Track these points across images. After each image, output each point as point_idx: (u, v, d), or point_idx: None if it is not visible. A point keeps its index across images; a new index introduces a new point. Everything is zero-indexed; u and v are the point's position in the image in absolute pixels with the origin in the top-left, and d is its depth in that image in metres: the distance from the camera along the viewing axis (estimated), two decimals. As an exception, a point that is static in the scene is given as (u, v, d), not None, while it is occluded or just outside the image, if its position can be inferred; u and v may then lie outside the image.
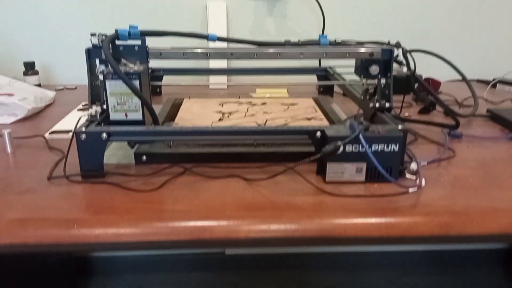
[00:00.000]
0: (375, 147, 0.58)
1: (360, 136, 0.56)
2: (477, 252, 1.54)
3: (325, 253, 1.51)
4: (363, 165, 0.59)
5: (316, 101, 0.96)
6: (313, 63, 1.19)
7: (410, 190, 0.57)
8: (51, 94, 1.02)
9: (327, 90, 1.11)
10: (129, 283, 1.42)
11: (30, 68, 1.12)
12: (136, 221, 0.50)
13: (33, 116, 0.91)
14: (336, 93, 1.12)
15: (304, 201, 0.55)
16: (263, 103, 0.94)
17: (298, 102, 0.95)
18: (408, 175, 0.62)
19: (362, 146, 0.57)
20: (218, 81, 1.18)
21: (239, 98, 0.99)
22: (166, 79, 1.10)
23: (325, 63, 1.17)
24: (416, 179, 0.61)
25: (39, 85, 1.11)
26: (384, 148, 0.58)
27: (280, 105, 0.92)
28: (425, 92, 0.80)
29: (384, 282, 1.46)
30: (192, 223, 0.50)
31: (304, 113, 0.86)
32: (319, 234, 0.50)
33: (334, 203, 0.54)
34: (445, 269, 1.52)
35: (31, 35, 1.21)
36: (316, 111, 0.88)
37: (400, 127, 0.61)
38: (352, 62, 0.79)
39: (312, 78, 1.17)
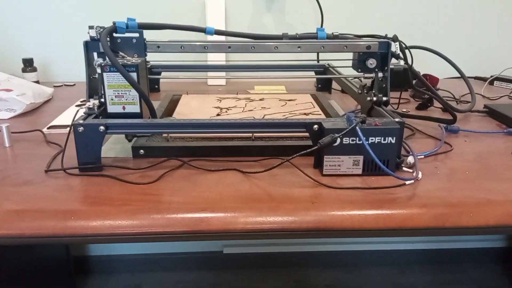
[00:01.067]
0: (372, 139, 0.58)
1: (357, 128, 0.56)
2: (475, 250, 1.54)
3: (323, 252, 1.51)
4: (360, 158, 0.59)
5: (314, 97, 0.96)
6: (311, 58, 1.19)
7: (407, 182, 0.57)
8: (49, 90, 1.02)
9: (325, 87, 1.11)
10: (127, 282, 1.42)
11: (28, 64, 1.12)
12: (133, 212, 0.50)
13: (31, 111, 0.91)
14: (334, 89, 1.12)
15: (301, 194, 0.55)
16: (261, 99, 0.94)
17: (296, 98, 0.95)
18: (405, 168, 0.62)
19: (359, 139, 0.58)
20: (216, 77, 1.18)
21: (237, 94, 0.99)
22: (164, 76, 1.10)
23: (323, 57, 1.17)
24: (413, 171, 0.61)
25: (37, 82, 1.11)
26: (381, 140, 0.58)
27: (278, 101, 0.93)
28: (423, 87, 0.80)
29: (382, 281, 1.46)
30: (189, 215, 0.50)
31: (302, 109, 0.86)
32: (315, 225, 0.50)
33: (330, 195, 0.55)
34: (443, 268, 1.52)
35: (30, 32, 1.21)
36: (314, 107, 0.88)
37: (397, 119, 0.62)
38: (350, 57, 0.80)
39: (310, 75, 1.17)
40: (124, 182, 0.57)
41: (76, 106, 0.95)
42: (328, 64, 1.10)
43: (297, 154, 0.57)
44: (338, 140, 0.57)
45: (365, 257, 1.53)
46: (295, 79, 1.21)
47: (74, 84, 1.18)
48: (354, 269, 1.50)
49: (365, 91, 0.73)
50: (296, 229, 0.50)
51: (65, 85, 1.17)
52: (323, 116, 0.81)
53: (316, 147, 0.56)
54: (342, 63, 1.01)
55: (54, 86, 1.12)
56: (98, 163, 0.60)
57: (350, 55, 0.79)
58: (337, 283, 1.44)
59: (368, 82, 0.76)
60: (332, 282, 1.44)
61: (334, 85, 1.12)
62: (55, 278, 1.28)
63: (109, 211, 0.50)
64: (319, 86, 1.12)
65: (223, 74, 1.20)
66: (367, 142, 0.57)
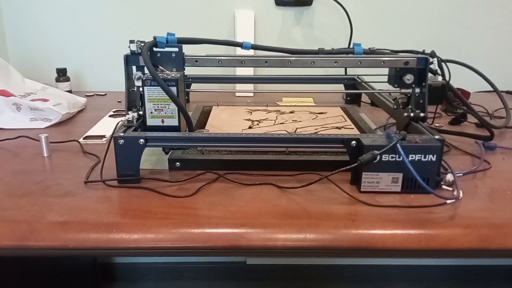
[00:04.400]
0: (412, 157, 0.57)
1: (398, 145, 0.56)
2: (504, 267, 1.50)
3: (347, 265, 1.49)
4: (399, 175, 0.58)
5: (345, 110, 0.95)
6: (339, 72, 1.19)
7: (448, 201, 0.56)
8: (82, 100, 1.04)
9: (354, 100, 1.10)
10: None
11: (62, 74, 1.15)
12: (174, 226, 0.51)
13: (66, 121, 0.93)
14: (363, 102, 1.11)
15: (339, 211, 0.54)
16: (291, 112, 0.94)
17: (327, 111, 0.94)
18: (444, 187, 0.61)
19: (399, 156, 0.57)
20: (246, 90, 1.19)
21: (267, 106, 0.99)
22: (195, 89, 1.11)
23: (351, 71, 1.17)
24: (453, 190, 0.60)
25: (70, 91, 1.13)
26: (421, 158, 0.57)
27: (309, 114, 0.92)
28: (459, 102, 0.79)
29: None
30: (229, 230, 0.50)
31: (333, 122, 0.86)
32: (357, 244, 0.49)
33: (370, 213, 0.54)
34: (470, 285, 1.49)
35: (63, 42, 1.24)
36: (345, 120, 0.87)
37: (437, 137, 0.61)
38: (379, 71, 0.79)
39: (339, 87, 1.17)
40: (163, 195, 0.58)
41: (110, 116, 0.96)
42: (358, 77, 1.09)
43: (336, 170, 0.57)
44: (378, 157, 0.57)
45: (390, 272, 1.50)
46: (323, 92, 1.21)
47: (106, 94, 1.20)
48: (378, 283, 1.48)
49: (401, 107, 0.73)
50: (337, 248, 0.50)
51: (96, 94, 1.19)
52: (355, 130, 0.81)
53: (355, 164, 0.56)
54: (373, 77, 1.01)
55: (86, 96, 1.14)
56: (137, 175, 0.61)
57: (380, 69, 0.78)
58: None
59: (397, 95, 0.76)
60: (356, 296, 1.42)
61: (363, 97, 1.11)
62: (81, 283, 1.30)
63: (150, 224, 0.51)
64: (348, 98, 1.12)
65: (250, 86, 1.20)
66: (408, 159, 0.56)
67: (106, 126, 0.88)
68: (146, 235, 0.50)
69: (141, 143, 0.60)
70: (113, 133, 0.61)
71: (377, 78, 0.97)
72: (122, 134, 0.60)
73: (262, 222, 0.52)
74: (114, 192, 0.59)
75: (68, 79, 1.16)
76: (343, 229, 0.51)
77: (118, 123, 0.63)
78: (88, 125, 0.90)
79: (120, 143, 0.60)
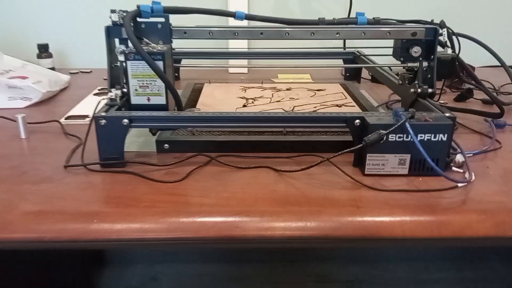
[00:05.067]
0: (421, 136, 0.52)
1: (407, 124, 0.51)
2: (504, 247, 1.48)
3: (344, 247, 1.46)
4: (407, 157, 0.54)
5: (344, 87, 0.90)
6: (338, 45, 1.12)
7: (460, 184, 0.52)
8: (65, 78, 0.98)
9: (353, 76, 1.05)
10: (143, 274, 1.39)
11: (43, 50, 1.08)
12: (162, 215, 0.46)
13: (47, 100, 0.87)
14: (363, 78, 1.06)
15: (342, 196, 0.50)
16: (288, 89, 0.89)
17: (326, 88, 0.89)
18: (454, 168, 0.57)
19: (407, 136, 0.52)
20: (238, 65, 1.13)
21: (262, 83, 0.93)
22: (185, 64, 1.05)
23: (350, 44, 1.11)
24: (464, 172, 0.56)
25: (53, 69, 1.07)
26: (431, 137, 0.53)
27: (307, 91, 0.87)
28: (468, 77, 0.74)
29: (406, 277, 1.41)
30: (222, 219, 0.46)
31: (333, 100, 0.81)
32: (362, 233, 0.45)
33: (376, 198, 0.49)
34: (469, 265, 1.47)
35: (45, 16, 1.17)
36: (345, 98, 0.82)
37: (447, 114, 0.56)
38: (381, 44, 0.74)
39: (337, 64, 1.11)
40: (150, 180, 0.53)
41: (94, 95, 0.91)
42: (358, 52, 1.04)
43: (339, 152, 0.52)
44: (384, 137, 0.52)
45: (389, 253, 1.47)
46: (322, 67, 1.15)
47: (91, 71, 1.14)
48: (377, 264, 1.45)
49: (407, 82, 0.67)
50: (340, 237, 0.45)
51: (81, 72, 1.13)
52: (357, 108, 0.76)
53: (360, 145, 0.51)
54: (374, 51, 0.95)
55: (70, 73, 1.08)
56: (121, 159, 0.56)
57: (382, 42, 0.73)
58: (359, 278, 1.40)
59: (400, 70, 0.71)
60: (354, 277, 1.40)
61: (363, 74, 1.06)
62: (70, 267, 1.26)
63: (135, 213, 0.46)
64: (347, 75, 1.06)
65: (244, 61, 1.14)
66: (417, 139, 0.52)
67: (90, 105, 0.82)
68: (130, 225, 0.45)
69: (125, 123, 0.54)
70: (94, 112, 0.56)
71: (378, 52, 0.92)
72: (104, 114, 0.55)
73: (258, 209, 0.47)
74: (97, 177, 0.54)
75: (50, 56, 1.09)
76: (347, 217, 0.46)
77: (99, 101, 0.57)
78: (71, 104, 0.84)
79: (102, 123, 0.54)
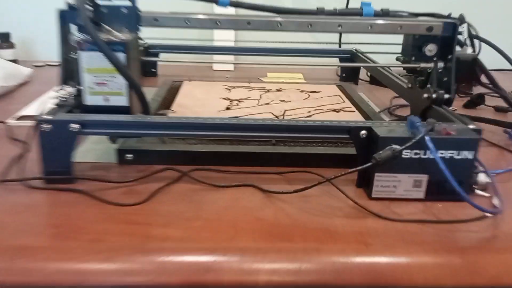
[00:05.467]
0: (442, 153, 0.42)
1: (427, 138, 0.41)
2: None
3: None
4: (424, 178, 0.44)
5: (341, 89, 0.80)
6: (332, 42, 1.02)
7: (487, 214, 0.42)
8: (26, 71, 0.86)
9: (350, 76, 0.95)
10: None
11: (4, 40, 0.96)
12: (110, 252, 0.35)
13: (1, 97, 0.75)
14: (361, 80, 0.96)
15: (346, 227, 0.40)
16: (279, 90, 0.78)
17: (321, 90, 0.79)
18: (478, 191, 0.47)
19: (425, 152, 0.42)
20: (223, 61, 1.02)
21: (249, 82, 0.83)
22: (163, 58, 0.94)
23: (346, 40, 1.01)
24: (491, 196, 0.46)
25: (14, 61, 0.95)
26: (453, 155, 0.43)
27: (299, 93, 0.77)
28: (488, 82, 0.65)
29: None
30: (191, 258, 0.35)
31: (329, 103, 0.71)
32: (373, 280, 0.35)
33: (388, 230, 0.39)
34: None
35: (7, 2, 1.04)
36: (343, 101, 0.72)
37: (471, 126, 0.46)
38: (384, 39, 0.64)
39: (332, 63, 1.02)
40: (103, 201, 0.42)
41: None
42: (355, 50, 0.94)
43: (343, 173, 0.42)
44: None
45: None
46: (316, 66, 1.05)
47: (60, 64, 1.02)
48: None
49: (417, 85, 0.57)
50: (345, 285, 0.35)
51: (48, 65, 1.01)
52: (358, 114, 0.66)
53: (370, 164, 0.41)
54: (372, 48, 0.85)
55: (35, 66, 0.96)
56: (69, 173, 0.45)
57: (385, 38, 0.63)
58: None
59: (401, 71, 0.61)
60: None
61: (361, 74, 0.96)
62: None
63: (75, 250, 0.35)
64: (343, 75, 0.96)
65: (231, 58, 1.03)
66: (438, 157, 0.41)
67: (49, 104, 0.70)
68: (67, 265, 0.34)
69: (74, 129, 0.43)
70: (38, 115, 0.44)
71: (379, 50, 0.82)
72: (49, 117, 0.44)
73: (238, 246, 0.36)
74: (37, 196, 0.43)
75: (11, 46, 0.97)
76: (353, 256, 0.36)
77: (46, 100, 0.46)
78: (29, 102, 0.72)
79: (46, 129, 0.43)
